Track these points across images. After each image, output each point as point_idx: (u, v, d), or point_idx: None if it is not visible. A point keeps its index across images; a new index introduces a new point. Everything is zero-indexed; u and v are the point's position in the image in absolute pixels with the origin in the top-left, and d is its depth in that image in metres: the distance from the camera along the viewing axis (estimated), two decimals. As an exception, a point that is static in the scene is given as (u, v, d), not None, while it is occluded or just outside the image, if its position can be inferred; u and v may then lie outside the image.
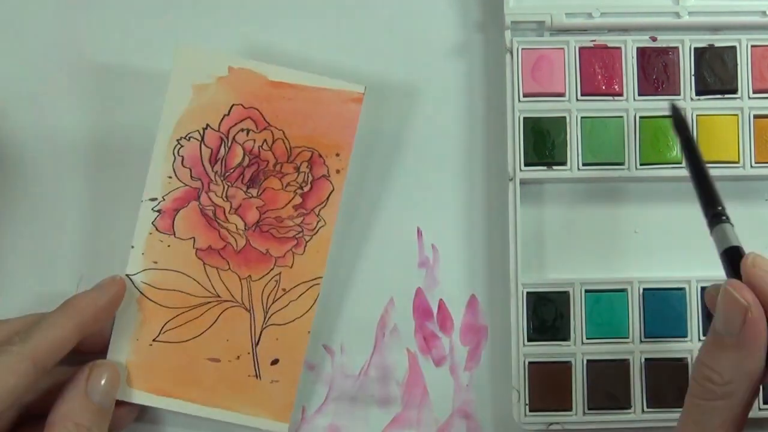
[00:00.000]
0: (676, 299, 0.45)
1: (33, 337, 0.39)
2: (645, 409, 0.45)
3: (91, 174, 0.47)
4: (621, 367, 0.45)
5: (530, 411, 0.44)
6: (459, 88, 0.48)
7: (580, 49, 0.46)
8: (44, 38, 0.47)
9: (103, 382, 0.41)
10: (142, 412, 0.45)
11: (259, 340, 0.44)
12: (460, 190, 0.47)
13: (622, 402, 0.45)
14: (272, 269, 0.44)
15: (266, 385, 0.44)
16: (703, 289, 0.45)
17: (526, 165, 0.45)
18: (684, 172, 0.45)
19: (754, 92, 0.46)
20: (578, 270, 0.46)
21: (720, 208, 0.39)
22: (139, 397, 0.44)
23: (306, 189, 0.45)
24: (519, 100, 0.46)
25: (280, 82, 0.45)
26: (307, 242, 0.44)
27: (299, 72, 0.45)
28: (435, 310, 0.47)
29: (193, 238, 0.44)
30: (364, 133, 0.46)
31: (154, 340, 0.44)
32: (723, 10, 0.46)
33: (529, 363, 0.45)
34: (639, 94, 0.46)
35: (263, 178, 0.44)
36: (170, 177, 0.44)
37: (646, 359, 0.45)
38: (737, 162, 0.46)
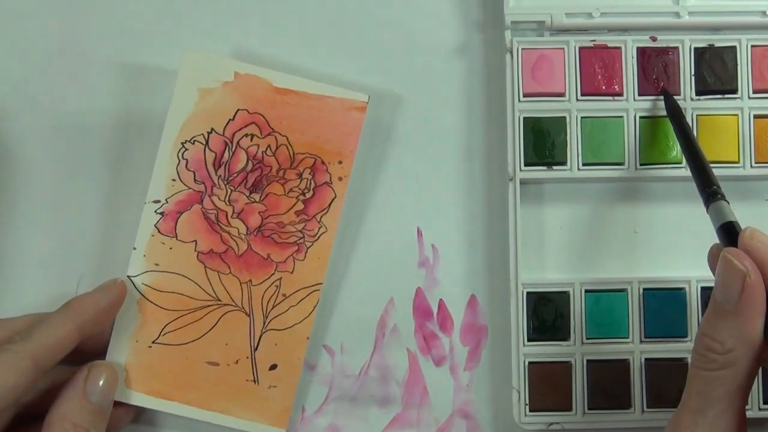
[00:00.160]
0: (676, 299, 0.45)
1: (34, 336, 0.39)
2: (645, 409, 0.45)
3: (92, 175, 0.47)
4: (621, 367, 0.45)
5: (530, 411, 0.44)
6: (459, 88, 0.48)
7: (580, 49, 0.46)
8: (45, 38, 0.47)
9: (101, 382, 0.41)
10: (139, 414, 0.45)
11: (258, 345, 0.44)
12: (460, 190, 0.47)
13: (622, 402, 0.45)
14: (273, 274, 0.44)
15: (264, 390, 0.44)
16: (703, 289, 0.45)
17: (526, 165, 0.45)
18: (684, 172, 0.45)
19: (754, 92, 0.46)
20: (578, 270, 0.46)
21: (715, 186, 0.39)
22: (137, 398, 0.44)
23: (308, 195, 0.45)
24: (519, 100, 0.46)
25: (284, 88, 0.45)
26: (308, 248, 0.44)
27: (304, 79, 0.45)
28: (435, 310, 0.47)
29: (195, 241, 0.44)
30: (364, 132, 0.45)
31: (153, 342, 0.44)
32: (723, 10, 0.46)
33: (529, 363, 0.45)
34: (639, 94, 0.46)
35: (266, 183, 0.44)
36: (174, 180, 0.44)
37: (646, 359, 0.45)
38: (737, 162, 0.46)
